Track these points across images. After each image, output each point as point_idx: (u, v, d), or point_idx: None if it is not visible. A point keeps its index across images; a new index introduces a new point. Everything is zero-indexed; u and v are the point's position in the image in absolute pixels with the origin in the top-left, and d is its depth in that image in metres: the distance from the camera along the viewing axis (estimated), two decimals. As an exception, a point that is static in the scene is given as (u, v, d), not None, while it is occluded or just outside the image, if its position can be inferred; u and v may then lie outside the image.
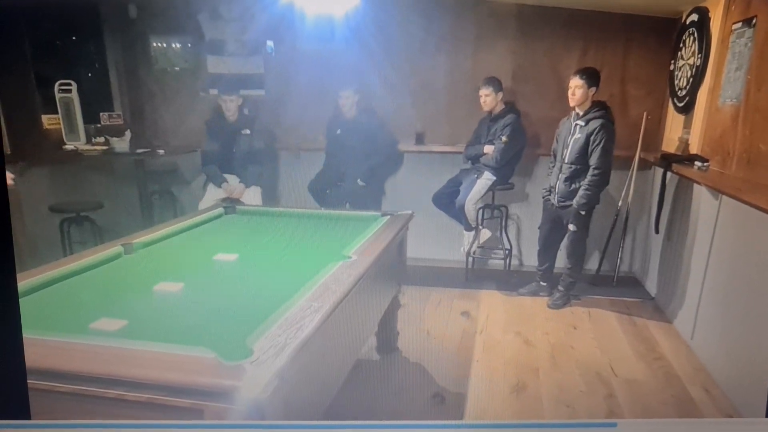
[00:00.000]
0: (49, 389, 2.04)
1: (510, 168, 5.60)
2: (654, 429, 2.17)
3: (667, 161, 4.98)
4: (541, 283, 5.47)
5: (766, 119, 3.83)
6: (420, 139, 6.14)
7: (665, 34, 5.52)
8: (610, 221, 5.63)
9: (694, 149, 4.90)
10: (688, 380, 4.06)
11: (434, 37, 5.80)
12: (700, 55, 4.87)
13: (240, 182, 5.84)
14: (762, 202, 3.45)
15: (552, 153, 5.29)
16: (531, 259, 5.82)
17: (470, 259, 5.83)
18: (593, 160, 4.92)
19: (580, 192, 4.98)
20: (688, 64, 5.08)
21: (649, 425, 2.15)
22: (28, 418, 2.15)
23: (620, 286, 5.67)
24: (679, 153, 5.13)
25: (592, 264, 5.82)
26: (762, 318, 3.48)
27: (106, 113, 6.30)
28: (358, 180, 5.83)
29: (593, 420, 3.43)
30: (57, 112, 5.95)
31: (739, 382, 3.77)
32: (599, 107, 4.97)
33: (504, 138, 5.45)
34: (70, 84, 5.91)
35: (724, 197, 4.11)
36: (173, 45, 6.44)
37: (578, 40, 5.75)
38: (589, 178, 4.95)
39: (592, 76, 4.94)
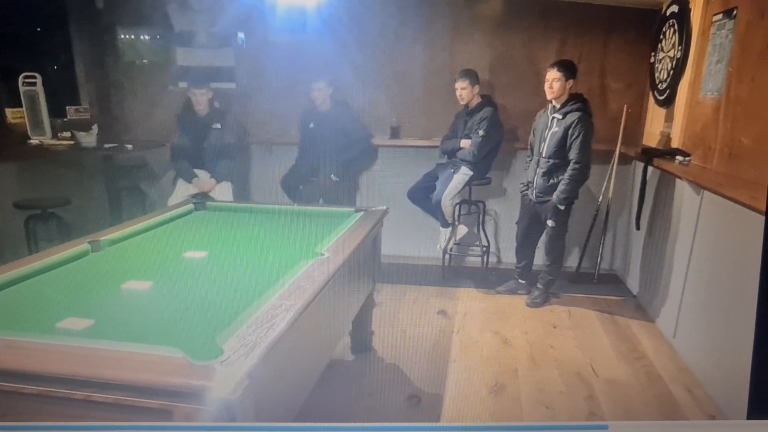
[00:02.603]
0: (13, 390, 1.97)
1: (487, 162, 5.55)
2: (645, 431, 2.09)
3: (648, 156, 4.95)
4: (520, 280, 5.41)
5: (747, 112, 3.81)
6: (395, 132, 6.10)
7: (645, 25, 5.50)
8: (590, 217, 5.61)
9: (675, 143, 4.88)
10: (670, 380, 4.02)
11: (409, 28, 5.78)
12: (680, 48, 4.83)
13: (211, 177, 5.76)
14: (744, 197, 3.41)
15: (529, 146, 5.21)
16: (509, 256, 5.79)
17: (447, 256, 5.78)
18: (572, 154, 4.85)
19: (560, 187, 4.90)
20: (669, 57, 5.04)
21: (640, 428, 2.07)
22: (-11, 421, 2.09)
23: (601, 284, 5.66)
24: (660, 147, 5.10)
25: (572, 261, 5.81)
26: (744, 316, 3.41)
27: (73, 107, 6.25)
28: (332, 175, 5.76)
29: (585, 422, 3.36)
30: (21, 106, 5.87)
31: (721, 382, 3.74)
32: (576, 100, 4.90)
33: (481, 132, 5.37)
34: (34, 77, 5.82)
35: (706, 192, 4.05)
36: (141, 37, 6.37)
37: (557, 32, 5.76)
38: (569, 172, 4.88)
39: (569, 69, 4.88)
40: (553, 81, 4.87)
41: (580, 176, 4.89)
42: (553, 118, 4.94)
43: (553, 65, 4.91)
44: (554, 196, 4.94)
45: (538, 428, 2.35)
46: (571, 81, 4.87)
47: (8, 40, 5.93)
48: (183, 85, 6.01)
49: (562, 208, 4.94)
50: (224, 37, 6.12)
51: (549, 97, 4.94)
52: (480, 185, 5.61)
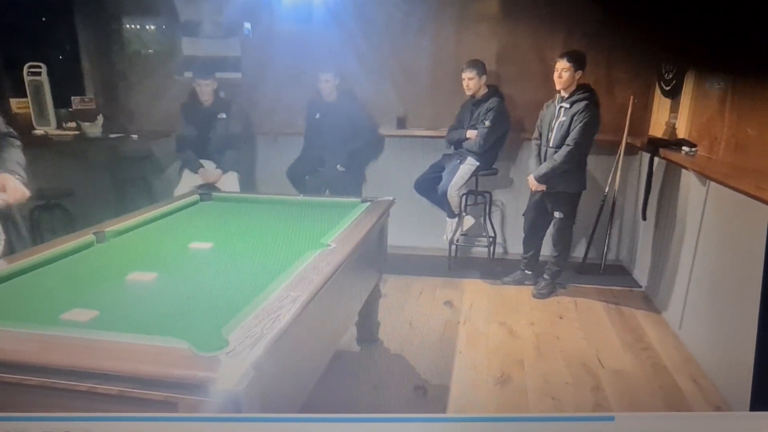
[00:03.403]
0: (17, 382, 1.96)
1: (493, 153, 5.53)
2: (652, 422, 2.09)
3: (655, 146, 4.94)
4: (526, 271, 5.40)
5: (753, 103, 3.77)
6: (401, 123, 6.07)
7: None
8: (597, 208, 5.57)
9: (681, 134, 4.87)
10: (676, 371, 4.02)
11: (416, 18, 5.74)
12: (688, 38, 4.78)
13: (216, 168, 5.72)
14: (750, 188, 3.42)
15: (537, 135, 5.21)
16: (516, 247, 5.78)
17: (453, 246, 5.78)
18: (569, 138, 4.84)
19: (545, 162, 4.92)
20: (676, 47, 5.00)
21: (647, 418, 2.06)
22: (-7, 412, 2.08)
23: (607, 275, 5.64)
24: (666, 138, 5.07)
25: (578, 252, 5.78)
26: (749, 307, 3.40)
27: (78, 97, 6.21)
28: (338, 165, 5.75)
29: (591, 414, 3.36)
30: (26, 96, 5.84)
31: (726, 373, 3.73)
32: (584, 90, 4.90)
33: (487, 122, 5.35)
34: (39, 66, 5.80)
35: (712, 183, 4.04)
36: (147, 26, 6.33)
37: (564, 22, 5.67)
38: (558, 152, 4.88)
39: (579, 59, 4.87)
40: (562, 71, 4.86)
41: (566, 159, 4.88)
42: (561, 107, 4.93)
43: (562, 55, 4.90)
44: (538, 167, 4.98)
45: (544, 419, 2.34)
46: (580, 72, 4.86)
47: (13, 30, 5.90)
48: (188, 75, 5.96)
49: (534, 180, 4.96)
50: (230, 26, 6.08)
51: (558, 87, 4.93)
52: (486, 176, 5.59)
